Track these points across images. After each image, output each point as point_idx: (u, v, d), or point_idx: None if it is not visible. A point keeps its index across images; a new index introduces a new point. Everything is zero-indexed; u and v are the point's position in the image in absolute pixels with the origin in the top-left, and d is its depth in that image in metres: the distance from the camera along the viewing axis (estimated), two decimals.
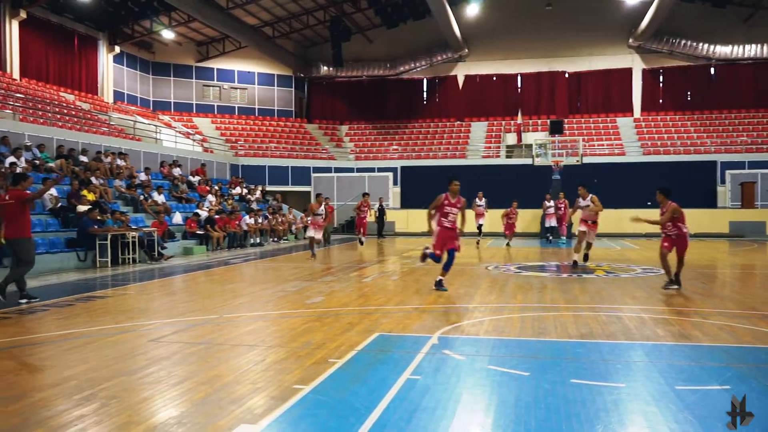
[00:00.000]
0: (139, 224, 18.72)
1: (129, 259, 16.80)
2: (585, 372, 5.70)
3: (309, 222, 18.29)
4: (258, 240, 24.36)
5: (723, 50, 35.82)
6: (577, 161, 29.19)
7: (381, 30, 39.49)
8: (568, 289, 11.21)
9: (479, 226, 23.86)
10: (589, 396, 4.97)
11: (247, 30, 34.64)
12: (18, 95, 23.47)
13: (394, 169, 34.41)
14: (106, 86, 32.84)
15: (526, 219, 28.74)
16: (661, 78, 37.90)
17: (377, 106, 40.59)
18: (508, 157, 35.07)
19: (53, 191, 17.14)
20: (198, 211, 22.40)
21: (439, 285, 10.84)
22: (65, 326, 8.09)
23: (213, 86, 39.23)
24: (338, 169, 34.85)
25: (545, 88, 38.68)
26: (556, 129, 33.65)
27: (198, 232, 21.17)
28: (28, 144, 19.52)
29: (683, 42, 36.02)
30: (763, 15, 35.10)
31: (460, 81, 39.81)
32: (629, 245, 23.03)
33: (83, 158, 21.22)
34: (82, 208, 16.89)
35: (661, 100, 37.86)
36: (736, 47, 35.64)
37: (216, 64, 38.87)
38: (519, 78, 39.11)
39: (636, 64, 37.80)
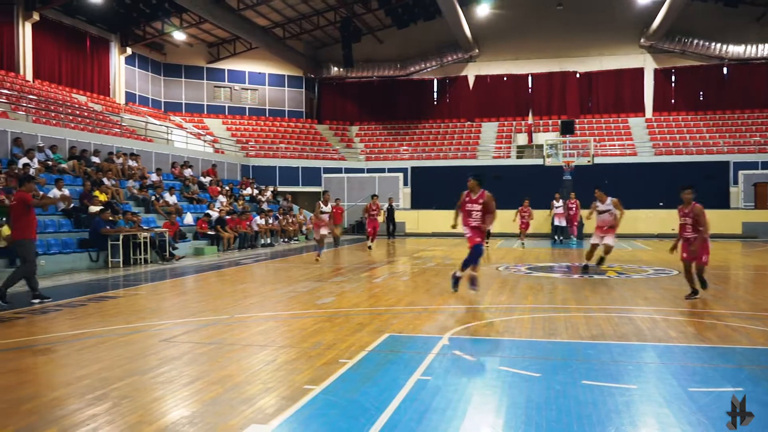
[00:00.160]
0: (150, 225, 18.81)
1: (140, 259, 16.89)
2: (596, 373, 5.68)
3: (313, 220, 18.12)
4: (268, 240, 24.42)
5: (736, 50, 35.55)
6: (589, 161, 29.06)
7: (391, 30, 39.48)
8: (579, 290, 11.16)
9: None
10: (601, 397, 4.95)
11: (258, 31, 34.75)
12: (31, 97, 23.65)
13: (404, 170, 34.40)
14: (117, 87, 33.03)
15: (539, 219, 28.61)
16: (673, 78, 37.66)
17: (388, 107, 40.59)
18: (518, 157, 34.95)
19: (66, 192, 17.26)
20: (209, 211, 22.48)
21: (455, 283, 10.43)
22: (78, 326, 8.14)
23: (224, 87, 39.36)
24: (348, 170, 34.87)
25: (556, 88, 38.54)
26: (567, 129, 33.50)
27: (209, 232, 21.25)
28: (41, 145, 19.67)
29: (695, 41, 35.77)
30: None
31: (471, 81, 39.74)
32: (641, 246, 22.91)
33: (95, 159, 21.36)
34: (94, 208, 17.00)
35: (673, 100, 37.63)
36: (748, 47, 35.36)
37: (227, 65, 39.00)
38: (530, 78, 38.98)
39: (648, 64, 37.59)
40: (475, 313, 8.83)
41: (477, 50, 38.65)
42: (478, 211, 10.07)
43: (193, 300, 10.93)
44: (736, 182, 30.86)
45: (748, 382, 5.40)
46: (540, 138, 34.60)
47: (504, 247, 22.59)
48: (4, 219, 13.76)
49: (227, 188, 27.36)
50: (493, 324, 8.01)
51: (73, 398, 5.04)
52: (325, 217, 17.55)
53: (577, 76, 38.27)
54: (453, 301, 9.87)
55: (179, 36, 35.06)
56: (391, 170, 34.49)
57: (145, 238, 17.04)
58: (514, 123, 38.11)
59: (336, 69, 39.87)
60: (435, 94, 40.81)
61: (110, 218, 16.68)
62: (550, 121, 37.45)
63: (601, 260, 13.65)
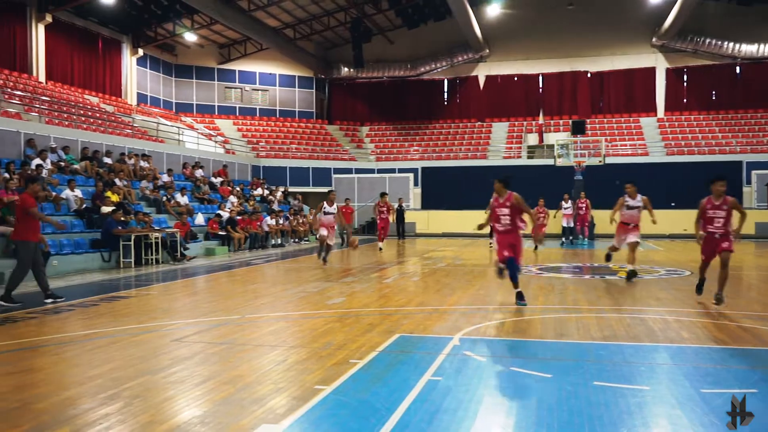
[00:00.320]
0: (162, 225, 18.90)
1: (152, 259, 16.97)
2: (608, 374, 5.65)
3: (318, 220, 16.21)
4: (279, 241, 24.48)
5: (748, 49, 35.29)
6: (600, 162, 28.93)
7: (402, 31, 39.48)
8: (591, 290, 11.11)
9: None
10: (613, 398, 4.92)
11: (269, 32, 34.84)
12: (44, 98, 23.82)
13: (414, 170, 34.38)
14: (129, 89, 33.22)
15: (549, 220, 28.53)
16: (685, 77, 37.43)
17: (398, 107, 40.59)
18: (529, 157, 34.84)
19: (78, 192, 17.39)
20: (220, 212, 22.56)
21: (519, 298, 9.34)
22: (90, 326, 8.19)
23: (235, 88, 39.49)
24: (359, 170, 34.89)
25: (567, 88, 38.40)
26: (578, 129, 33.35)
27: (220, 233, 21.32)
28: (54, 146, 19.81)
29: (708, 41, 35.55)
30: None
31: (481, 81, 39.67)
32: (653, 246, 22.77)
33: (107, 160, 21.49)
34: (106, 209, 17.10)
35: (685, 100, 37.41)
36: (761, 46, 35.08)
37: (238, 66, 39.12)
38: (540, 78, 38.87)
39: (659, 64, 37.38)
40: (485, 313, 8.81)
41: (487, 50, 38.57)
42: (506, 215, 9.49)
43: (204, 300, 10.97)
44: (749, 182, 30.63)
45: (762, 383, 5.36)
46: (551, 138, 34.48)
47: None
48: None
49: (238, 189, 27.46)
50: (504, 324, 7.99)
51: (85, 398, 5.07)
52: (330, 218, 15.80)
53: (589, 75, 38.11)
54: (463, 302, 9.85)
55: (190, 37, 35.22)
56: (401, 170, 34.49)
57: (156, 238, 17.12)
58: (525, 123, 38.01)
59: (346, 69, 39.93)
60: (445, 95, 40.77)
61: (122, 219, 16.77)
62: (561, 121, 37.32)
63: (608, 257, 13.39)
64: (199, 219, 21.82)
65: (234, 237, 21.49)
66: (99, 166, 20.56)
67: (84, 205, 17.31)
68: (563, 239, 25.46)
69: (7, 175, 16.04)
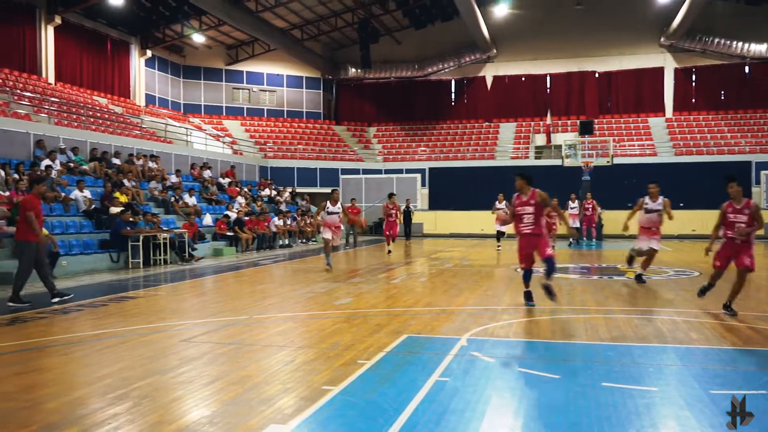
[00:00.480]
0: (170, 226, 18.96)
1: (160, 260, 17.03)
2: (616, 375, 5.63)
3: (321, 222, 15.62)
4: (287, 241, 24.51)
5: (758, 48, 35.08)
6: (608, 162, 28.86)
7: (409, 31, 39.48)
8: (598, 291, 11.08)
9: (499, 231, 21.57)
10: (621, 399, 4.91)
11: (276, 33, 34.91)
12: (53, 99, 23.95)
13: (422, 171, 34.37)
14: (138, 90, 33.35)
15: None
16: (693, 77, 37.27)
17: (405, 108, 40.59)
18: (537, 158, 34.77)
19: (87, 193, 17.47)
20: (228, 212, 22.62)
21: (548, 291, 8.73)
22: (99, 326, 8.23)
23: (242, 89, 39.59)
24: (366, 171, 34.91)
25: (575, 88, 38.30)
26: (586, 129, 33.29)
27: (227, 233, 21.38)
28: (63, 147, 19.92)
29: (716, 40, 35.38)
30: None
31: (489, 82, 39.62)
32: (661, 247, 22.62)
33: (116, 161, 21.59)
34: (114, 210, 17.18)
35: (693, 100, 37.24)
36: None
37: (245, 67, 39.22)
38: (548, 78, 38.78)
39: (668, 64, 37.23)
40: (493, 314, 8.79)
41: (495, 50, 38.52)
42: (530, 213, 8.83)
43: (212, 300, 11.01)
44: (758, 182, 30.45)
45: None
46: (559, 138, 34.42)
47: None
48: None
49: (246, 189, 27.52)
50: (511, 325, 7.98)
51: (94, 398, 5.10)
52: (334, 218, 15.11)
53: (596, 75, 38.00)
54: (471, 303, 9.84)
55: (198, 38, 35.34)
56: (408, 171, 34.49)
57: (164, 239, 17.19)
58: (533, 123, 37.93)
59: (354, 70, 39.96)
60: (453, 95, 40.75)
61: (131, 219, 16.84)
62: (569, 122, 37.22)
63: (630, 259, 12.85)
64: (207, 220, 21.88)
65: (242, 237, 21.53)
66: (108, 166, 20.66)
67: (93, 206, 17.40)
68: (570, 239, 25.39)
69: (16, 175, 16.15)
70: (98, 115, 25.58)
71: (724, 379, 5.56)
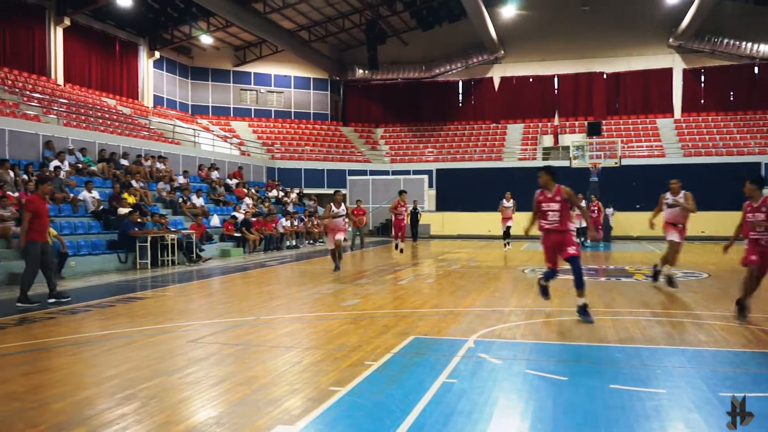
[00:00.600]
0: (177, 227, 19.01)
1: (168, 260, 17.07)
2: (624, 377, 5.61)
3: (325, 225, 15.17)
4: (294, 242, 24.54)
5: (766, 49, 34.92)
6: (616, 163, 28.74)
7: (416, 32, 39.50)
8: (606, 292, 11.04)
9: (506, 229, 21.39)
10: (629, 402, 4.89)
11: (284, 34, 34.99)
12: (62, 100, 24.08)
13: (429, 172, 34.36)
14: (146, 91, 33.49)
15: None
16: (702, 78, 37.14)
17: (412, 109, 40.60)
18: (544, 159, 34.69)
19: (95, 194, 17.54)
20: (235, 213, 22.66)
21: (583, 313, 8.21)
22: (107, 327, 8.25)
23: (250, 90, 39.70)
24: (373, 172, 34.93)
25: (583, 89, 38.22)
26: (593, 130, 33.13)
27: (235, 234, 21.42)
28: (72, 148, 20.02)
29: (725, 41, 35.23)
30: None
31: (496, 83, 39.59)
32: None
33: (124, 162, 21.67)
34: (122, 210, 17.24)
35: (702, 101, 37.11)
36: None
37: (253, 68, 39.32)
38: (556, 79, 38.72)
39: (676, 64, 37.11)
40: (500, 315, 8.77)
41: (502, 51, 38.48)
42: (555, 210, 8.42)
43: (219, 301, 11.02)
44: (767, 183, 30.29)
45: None
46: (566, 139, 34.37)
47: (530, 249, 22.41)
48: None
49: (253, 190, 27.57)
50: (519, 327, 7.95)
51: (102, 398, 5.11)
52: (340, 221, 14.53)
53: (604, 76, 37.92)
54: (478, 304, 9.82)
55: (206, 40, 35.45)
56: (416, 172, 34.49)
57: (172, 239, 17.23)
58: (540, 124, 37.88)
59: (361, 71, 40.00)
60: (460, 96, 40.74)
61: (138, 220, 16.90)
62: (577, 123, 37.14)
63: (659, 266, 12.30)
64: (215, 220, 21.93)
65: (249, 238, 21.57)
66: (116, 167, 20.74)
67: (101, 207, 17.47)
68: (577, 239, 25.27)
69: (25, 176, 16.23)
70: (107, 116, 25.70)
71: (734, 381, 5.52)
